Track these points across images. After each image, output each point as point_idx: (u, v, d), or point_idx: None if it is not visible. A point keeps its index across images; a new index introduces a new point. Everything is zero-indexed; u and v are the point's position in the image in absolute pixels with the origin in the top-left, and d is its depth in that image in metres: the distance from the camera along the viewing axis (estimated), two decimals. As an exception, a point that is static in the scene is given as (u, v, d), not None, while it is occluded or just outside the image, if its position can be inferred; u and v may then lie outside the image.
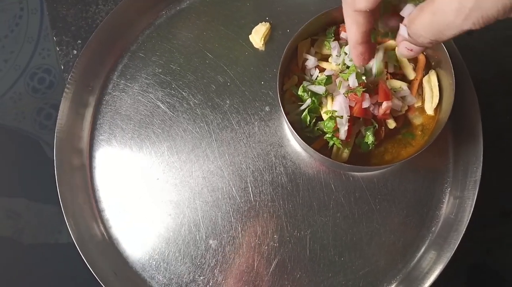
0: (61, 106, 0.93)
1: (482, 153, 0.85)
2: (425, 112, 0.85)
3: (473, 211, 0.84)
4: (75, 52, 1.04)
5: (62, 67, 1.04)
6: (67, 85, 0.93)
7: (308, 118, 0.82)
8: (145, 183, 0.94)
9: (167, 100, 0.96)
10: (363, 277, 0.89)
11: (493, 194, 0.95)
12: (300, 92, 0.83)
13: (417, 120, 0.85)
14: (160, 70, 0.98)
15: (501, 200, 0.98)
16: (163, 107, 0.96)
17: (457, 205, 0.88)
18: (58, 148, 0.92)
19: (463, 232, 0.84)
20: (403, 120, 0.85)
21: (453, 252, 0.84)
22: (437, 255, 0.87)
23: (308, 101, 0.82)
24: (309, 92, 0.82)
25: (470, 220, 0.84)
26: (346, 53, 0.83)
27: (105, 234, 0.93)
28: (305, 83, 0.83)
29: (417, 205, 0.90)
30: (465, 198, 0.86)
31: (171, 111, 0.96)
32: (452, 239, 0.85)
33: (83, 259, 0.87)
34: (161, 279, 0.91)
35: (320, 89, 0.81)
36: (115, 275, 0.90)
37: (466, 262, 1.04)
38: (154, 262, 0.91)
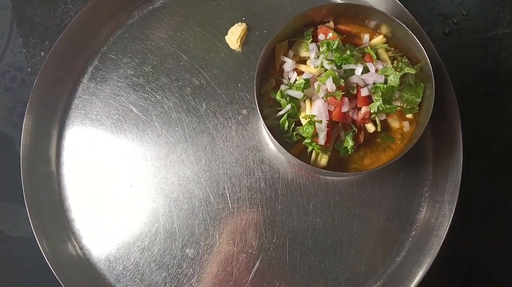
0: (27, 112, 0.88)
1: (462, 157, 0.85)
2: (404, 116, 0.84)
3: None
4: (42, 54, 0.99)
5: (29, 70, 0.99)
6: (33, 89, 0.88)
7: (287, 123, 0.80)
8: (117, 190, 0.90)
9: (140, 103, 0.93)
10: (343, 283, 0.87)
11: (471, 195, 0.94)
12: (278, 97, 0.80)
13: (396, 124, 0.84)
14: (132, 72, 0.94)
15: (479, 201, 0.97)
16: (135, 111, 0.92)
17: (437, 209, 0.87)
18: (25, 156, 0.88)
19: (444, 236, 0.83)
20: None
21: (434, 257, 0.83)
22: (418, 260, 0.86)
23: (288, 107, 0.80)
24: (288, 98, 0.80)
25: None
26: (324, 55, 0.81)
27: (76, 244, 0.89)
28: (283, 88, 0.81)
29: (397, 209, 0.89)
30: (445, 202, 0.86)
31: (144, 115, 0.92)
32: (433, 244, 0.84)
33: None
34: (136, 290, 0.88)
35: (298, 94, 0.79)
36: (87, 288, 0.86)
37: (443, 261, 1.03)
38: (128, 273, 0.88)
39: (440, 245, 0.83)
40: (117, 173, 0.91)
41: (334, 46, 0.80)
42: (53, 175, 0.91)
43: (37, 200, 0.88)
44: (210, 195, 0.89)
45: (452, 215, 0.83)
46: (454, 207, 0.83)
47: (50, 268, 0.84)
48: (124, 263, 0.88)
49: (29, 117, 0.89)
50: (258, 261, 0.87)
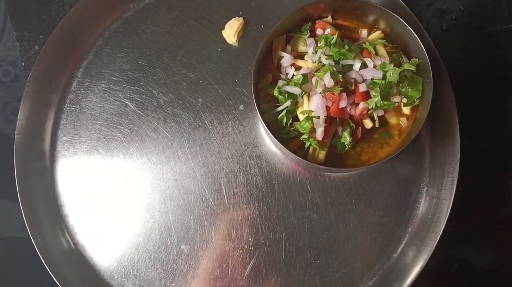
0: (21, 107, 0.87)
1: (459, 153, 0.85)
2: (402, 111, 0.83)
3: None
4: (37, 47, 0.98)
5: (23, 64, 0.98)
6: (27, 83, 0.87)
7: (285, 119, 0.79)
8: (112, 186, 0.89)
9: (136, 98, 0.92)
10: (339, 279, 0.87)
11: (467, 191, 0.94)
12: (276, 94, 0.80)
13: (394, 119, 0.83)
14: (128, 66, 0.93)
15: (475, 197, 0.97)
16: (131, 106, 0.92)
17: (434, 205, 0.87)
18: (19, 151, 0.87)
19: (441, 232, 0.83)
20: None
21: (431, 253, 0.83)
22: (414, 256, 0.86)
23: (287, 103, 0.79)
24: (286, 94, 0.79)
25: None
26: (322, 50, 0.80)
27: (70, 240, 0.89)
28: (280, 84, 0.80)
29: (393, 205, 0.89)
30: (442, 198, 0.85)
31: (140, 110, 0.91)
32: (430, 239, 0.84)
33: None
34: (130, 286, 0.87)
35: (296, 90, 0.79)
36: (81, 284, 0.85)
37: (436, 255, 1.03)
38: (123, 269, 0.87)
39: (437, 241, 0.83)
40: (112, 168, 0.90)
41: (333, 41, 0.79)
42: (47, 170, 0.90)
43: (30, 195, 0.87)
44: (206, 190, 0.89)
45: (448, 211, 0.83)
46: (451, 203, 0.83)
47: (43, 266, 0.84)
48: (119, 259, 0.88)
49: (23, 111, 0.88)
50: (254, 257, 0.87)
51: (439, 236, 0.83)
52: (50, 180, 0.90)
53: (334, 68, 0.77)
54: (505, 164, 0.97)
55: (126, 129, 0.91)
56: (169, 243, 0.87)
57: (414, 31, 0.79)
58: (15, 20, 0.99)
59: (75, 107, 0.92)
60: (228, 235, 0.88)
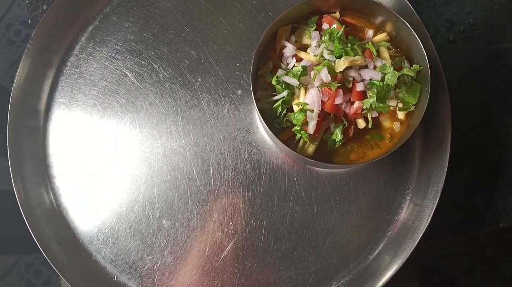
0: (21, 64, 0.87)
1: (447, 164, 0.85)
2: (397, 115, 0.84)
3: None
4: (45, 7, 0.98)
5: (30, 22, 0.98)
6: (30, 41, 0.88)
7: (280, 109, 0.80)
8: (102, 153, 0.90)
9: (136, 70, 0.92)
10: (313, 273, 0.88)
11: (449, 204, 0.95)
12: (273, 83, 0.80)
13: (387, 123, 0.84)
14: (132, 37, 0.93)
15: (456, 211, 0.97)
16: (130, 76, 0.92)
17: (416, 212, 0.87)
18: (13, 106, 0.87)
19: (418, 240, 0.84)
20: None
21: (406, 259, 0.84)
22: (389, 260, 0.87)
23: (284, 93, 0.79)
24: (283, 84, 0.79)
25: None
26: (325, 45, 0.80)
27: (54, 201, 0.89)
28: (279, 73, 0.80)
29: (376, 208, 0.90)
30: (425, 207, 0.86)
31: (138, 82, 0.92)
32: (407, 246, 0.85)
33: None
34: (107, 254, 0.88)
35: (294, 82, 0.79)
36: (59, 245, 0.86)
37: (418, 267, 1.04)
38: (102, 236, 0.88)
39: (413, 248, 0.83)
40: (104, 136, 0.90)
41: (339, 35, 0.79)
42: (39, 128, 0.91)
43: (20, 151, 0.88)
44: (194, 170, 0.89)
45: (429, 220, 0.84)
46: (432, 212, 0.84)
47: (24, 223, 0.85)
48: (100, 226, 0.89)
49: (22, 69, 0.88)
50: (233, 241, 0.88)
51: (416, 243, 0.84)
52: (41, 139, 0.91)
53: (333, 64, 0.77)
54: (492, 182, 0.97)
55: (123, 99, 0.91)
56: (151, 216, 0.88)
57: (419, 38, 0.79)
58: (27, -22, 0.99)
59: (75, 71, 0.92)
60: (210, 216, 0.88)
